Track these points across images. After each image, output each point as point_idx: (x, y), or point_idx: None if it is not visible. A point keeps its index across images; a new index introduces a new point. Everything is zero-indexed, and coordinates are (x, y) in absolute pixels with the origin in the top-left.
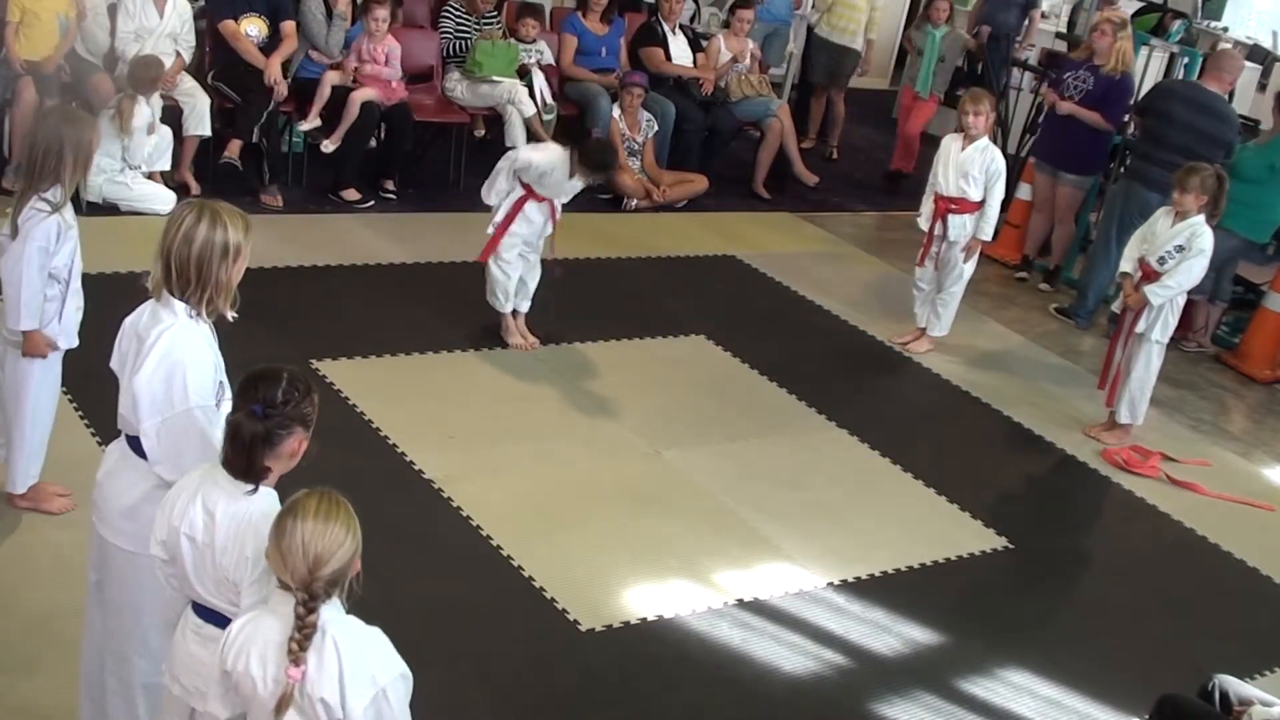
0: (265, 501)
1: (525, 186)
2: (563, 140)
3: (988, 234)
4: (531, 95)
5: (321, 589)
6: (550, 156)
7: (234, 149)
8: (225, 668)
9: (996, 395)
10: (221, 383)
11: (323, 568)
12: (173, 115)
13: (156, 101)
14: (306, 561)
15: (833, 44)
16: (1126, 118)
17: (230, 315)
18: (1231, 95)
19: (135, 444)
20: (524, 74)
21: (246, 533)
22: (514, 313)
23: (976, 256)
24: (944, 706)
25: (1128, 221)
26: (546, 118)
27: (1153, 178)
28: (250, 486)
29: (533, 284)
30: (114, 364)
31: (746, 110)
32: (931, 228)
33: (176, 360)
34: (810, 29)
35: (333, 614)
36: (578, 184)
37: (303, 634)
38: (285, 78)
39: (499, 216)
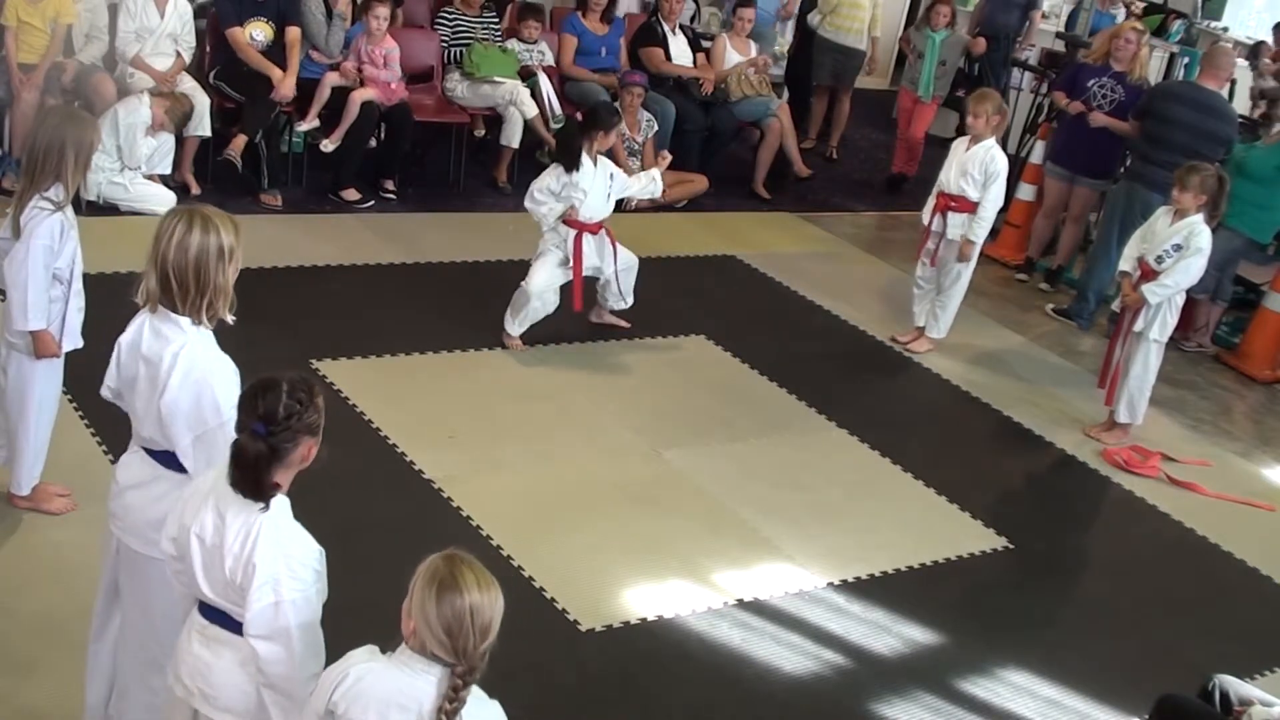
0: (275, 509)
1: (573, 224)
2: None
3: (978, 235)
4: (539, 102)
5: (481, 660)
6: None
7: (237, 145)
8: (332, 708)
9: (996, 395)
10: None
11: (488, 638)
12: None
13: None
14: (476, 635)
15: (837, 45)
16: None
17: (230, 319)
18: (1232, 92)
19: (160, 456)
20: (527, 76)
21: (254, 540)
22: (611, 311)
23: (974, 260)
24: (944, 706)
25: (1129, 222)
26: (555, 126)
27: (1155, 179)
28: (261, 504)
29: (627, 281)
30: (112, 382)
31: (746, 110)
32: (929, 223)
33: (199, 379)
34: (812, 30)
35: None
36: (603, 170)
37: (453, 706)
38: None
39: (564, 255)
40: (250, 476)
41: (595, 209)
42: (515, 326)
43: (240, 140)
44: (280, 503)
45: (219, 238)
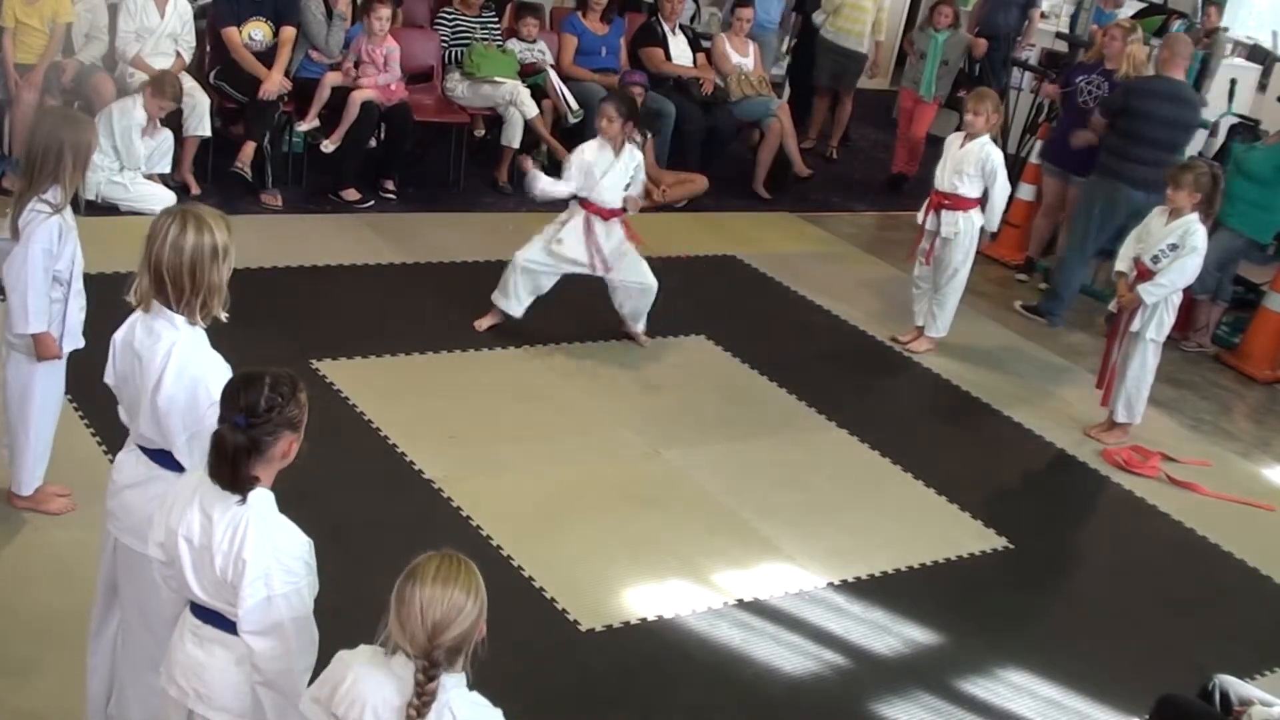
0: (260, 504)
1: (583, 204)
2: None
3: (993, 225)
4: (550, 96)
5: (443, 657)
6: (592, 144)
7: (246, 155)
8: (335, 712)
9: (996, 395)
10: None
11: (442, 635)
12: (173, 116)
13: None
14: (425, 629)
15: (839, 46)
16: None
17: (223, 316)
18: (1232, 92)
19: (157, 456)
20: (530, 73)
21: (242, 536)
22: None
23: (970, 259)
24: (944, 706)
25: (1107, 218)
26: (573, 120)
27: (1136, 175)
28: (238, 497)
29: (636, 302)
30: (110, 379)
31: (746, 110)
32: (924, 221)
33: (194, 374)
34: (814, 30)
35: (455, 688)
36: (627, 159)
37: (422, 701)
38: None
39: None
40: (228, 467)
41: (606, 194)
42: (515, 307)
43: (249, 149)
44: (265, 497)
45: (212, 237)
